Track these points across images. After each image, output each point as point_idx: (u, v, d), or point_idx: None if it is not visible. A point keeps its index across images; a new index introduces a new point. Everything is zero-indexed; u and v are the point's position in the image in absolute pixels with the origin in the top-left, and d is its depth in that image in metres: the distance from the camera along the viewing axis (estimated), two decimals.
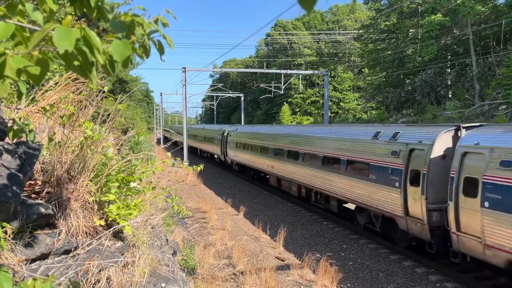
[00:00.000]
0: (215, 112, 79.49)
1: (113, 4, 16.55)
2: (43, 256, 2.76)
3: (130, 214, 3.41)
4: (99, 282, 2.90)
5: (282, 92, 42.70)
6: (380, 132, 11.03)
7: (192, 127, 44.98)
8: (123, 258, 3.23)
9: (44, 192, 3.19)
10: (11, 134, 2.52)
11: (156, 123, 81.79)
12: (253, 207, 16.79)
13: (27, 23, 1.19)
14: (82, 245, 3.05)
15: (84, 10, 1.29)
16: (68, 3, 1.34)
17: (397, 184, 9.53)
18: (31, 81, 1.19)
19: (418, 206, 8.79)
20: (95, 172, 3.53)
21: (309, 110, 54.59)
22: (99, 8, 1.27)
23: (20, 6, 1.19)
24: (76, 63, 1.12)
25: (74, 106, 3.65)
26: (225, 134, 26.93)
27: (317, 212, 14.92)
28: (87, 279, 2.83)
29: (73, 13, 1.45)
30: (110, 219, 3.36)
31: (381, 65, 37.48)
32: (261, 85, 49.20)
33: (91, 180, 3.46)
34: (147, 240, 3.76)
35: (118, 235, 3.46)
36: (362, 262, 10.02)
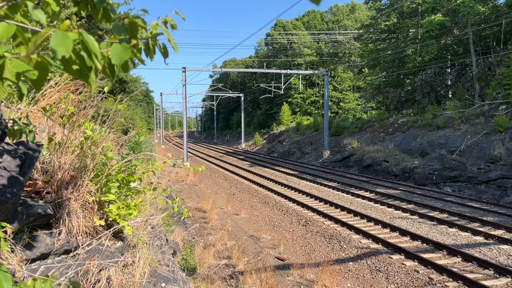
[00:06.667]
0: (215, 112, 79.55)
1: (113, 4, 16.54)
2: (43, 256, 2.76)
3: (130, 214, 3.41)
4: (99, 282, 2.91)
5: (282, 92, 42.72)
6: None
7: None
8: (123, 258, 3.23)
9: (44, 192, 3.19)
10: (11, 134, 2.52)
11: (156, 123, 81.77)
12: (253, 206, 16.80)
13: (30, 24, 1.18)
14: (82, 245, 3.05)
15: (89, 9, 1.27)
16: (72, 4, 1.31)
17: None
18: (31, 85, 1.18)
19: None
20: (95, 172, 3.53)
21: (309, 110, 54.57)
22: (104, 8, 1.26)
23: (23, 7, 1.18)
24: (75, 67, 1.11)
25: (74, 106, 3.65)
26: None
27: (318, 211, 14.92)
28: (87, 279, 2.84)
29: (77, 13, 1.41)
30: (110, 219, 3.36)
31: (381, 65, 37.44)
32: (261, 85, 49.24)
33: (91, 180, 3.46)
34: (147, 240, 3.76)
35: (118, 235, 3.46)
36: (363, 262, 10.02)
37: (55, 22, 1.25)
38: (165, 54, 1.36)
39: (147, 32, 1.27)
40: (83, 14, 1.30)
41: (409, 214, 14.30)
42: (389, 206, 15.56)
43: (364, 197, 17.43)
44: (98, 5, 1.24)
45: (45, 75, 1.13)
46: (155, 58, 1.30)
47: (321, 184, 21.40)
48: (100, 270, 2.96)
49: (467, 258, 9.63)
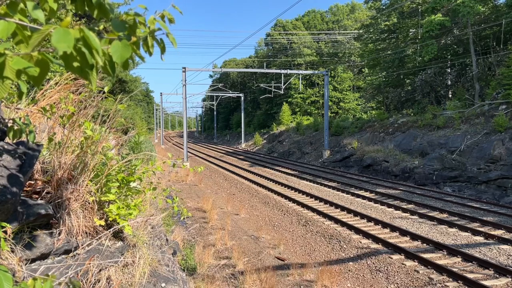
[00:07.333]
0: (215, 112, 79.55)
1: (113, 4, 16.55)
2: (43, 256, 2.76)
3: (130, 214, 3.40)
4: (99, 282, 2.90)
5: (282, 92, 42.72)
6: None
7: None
8: (123, 258, 3.22)
9: (44, 192, 3.19)
10: (11, 134, 2.52)
11: (156, 123, 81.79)
12: (253, 206, 16.79)
13: (29, 22, 1.18)
14: (82, 245, 3.05)
15: (86, 8, 1.27)
16: (69, 1, 1.30)
17: None
18: (31, 82, 1.18)
19: None
20: (95, 172, 3.53)
21: (309, 110, 54.56)
22: (101, 5, 1.25)
23: (21, 5, 1.18)
24: (75, 64, 1.11)
25: (74, 106, 3.64)
26: None
27: (318, 211, 14.92)
28: (87, 279, 2.83)
29: (74, 11, 1.41)
30: (110, 219, 3.35)
31: (381, 65, 37.44)
32: (261, 85, 49.24)
33: (91, 180, 3.46)
34: (147, 240, 3.75)
35: (118, 235, 3.46)
36: (363, 262, 10.02)
37: (52, 20, 1.25)
38: (162, 49, 1.36)
39: (146, 28, 1.27)
40: (80, 11, 1.30)
41: (409, 214, 14.30)
42: (389, 206, 15.56)
43: (364, 197, 17.42)
44: (95, 1, 1.24)
45: (46, 72, 1.12)
46: (154, 57, 1.30)
47: (321, 184, 21.40)
48: (100, 270, 2.96)
49: (467, 258, 9.63)
